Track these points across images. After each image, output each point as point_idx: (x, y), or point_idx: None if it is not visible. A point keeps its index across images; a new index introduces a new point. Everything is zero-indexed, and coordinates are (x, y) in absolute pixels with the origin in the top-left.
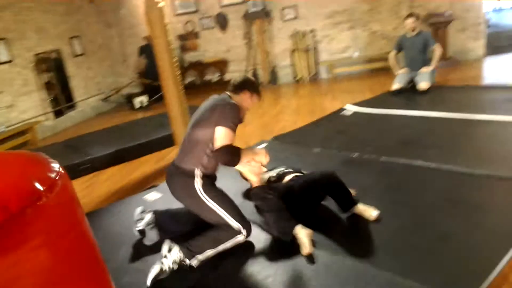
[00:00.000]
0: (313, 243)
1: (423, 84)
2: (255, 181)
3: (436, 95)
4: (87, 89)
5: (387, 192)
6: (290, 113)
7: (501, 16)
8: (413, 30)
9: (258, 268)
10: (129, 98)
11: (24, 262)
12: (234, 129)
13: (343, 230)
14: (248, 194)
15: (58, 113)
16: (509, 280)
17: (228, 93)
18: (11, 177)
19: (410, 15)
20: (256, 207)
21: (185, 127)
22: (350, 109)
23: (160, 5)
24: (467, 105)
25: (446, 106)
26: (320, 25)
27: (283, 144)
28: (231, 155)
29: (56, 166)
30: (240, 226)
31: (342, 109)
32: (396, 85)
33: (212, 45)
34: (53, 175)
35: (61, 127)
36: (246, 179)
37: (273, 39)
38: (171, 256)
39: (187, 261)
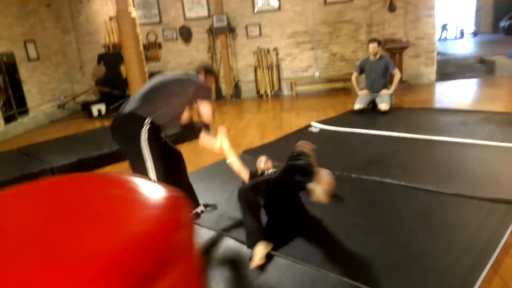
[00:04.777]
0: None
1: (383, 106)
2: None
3: (396, 116)
4: (41, 94)
5: (362, 209)
6: (256, 127)
7: (445, 45)
8: (375, 55)
9: None
10: (86, 106)
11: None
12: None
13: (320, 243)
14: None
15: (8, 119)
16: None
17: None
18: (160, 207)
19: (373, 40)
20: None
21: None
22: (317, 126)
23: (133, 15)
24: (425, 126)
25: (406, 127)
26: (283, 44)
27: (253, 158)
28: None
29: (178, 193)
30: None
31: (309, 126)
32: (358, 105)
33: (175, 57)
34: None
35: (12, 133)
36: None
37: (237, 55)
38: None
39: None
